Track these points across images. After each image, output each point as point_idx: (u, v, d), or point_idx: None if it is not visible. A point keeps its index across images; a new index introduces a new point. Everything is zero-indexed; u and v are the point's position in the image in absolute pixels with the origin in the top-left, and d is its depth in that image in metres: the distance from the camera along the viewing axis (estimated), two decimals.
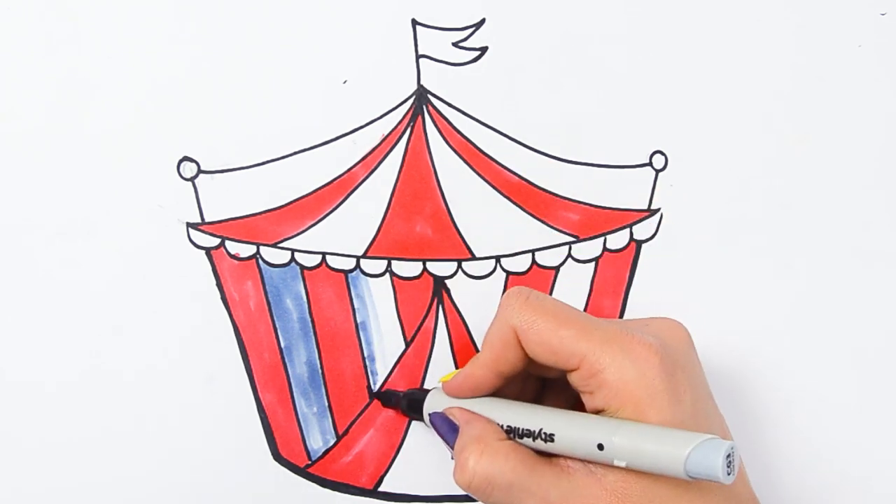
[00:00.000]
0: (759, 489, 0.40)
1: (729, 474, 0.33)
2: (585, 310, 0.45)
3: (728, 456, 0.33)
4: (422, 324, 0.45)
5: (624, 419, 0.36)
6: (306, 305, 0.44)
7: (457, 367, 0.45)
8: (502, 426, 0.39)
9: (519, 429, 0.38)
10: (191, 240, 0.44)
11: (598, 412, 0.37)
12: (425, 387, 0.45)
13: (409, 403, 0.44)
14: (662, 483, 0.36)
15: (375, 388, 0.45)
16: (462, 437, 0.39)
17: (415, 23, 0.44)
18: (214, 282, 0.44)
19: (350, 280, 0.44)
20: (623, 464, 0.35)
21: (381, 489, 0.45)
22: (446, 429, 0.41)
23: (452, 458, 0.39)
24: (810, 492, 0.46)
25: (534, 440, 0.38)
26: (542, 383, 0.43)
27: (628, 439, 0.35)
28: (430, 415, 0.42)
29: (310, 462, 0.45)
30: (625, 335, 0.37)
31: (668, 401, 0.36)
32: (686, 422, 0.36)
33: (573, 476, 0.37)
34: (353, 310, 0.45)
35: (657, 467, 0.34)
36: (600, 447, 0.35)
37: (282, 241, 0.44)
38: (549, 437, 0.37)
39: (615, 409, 0.36)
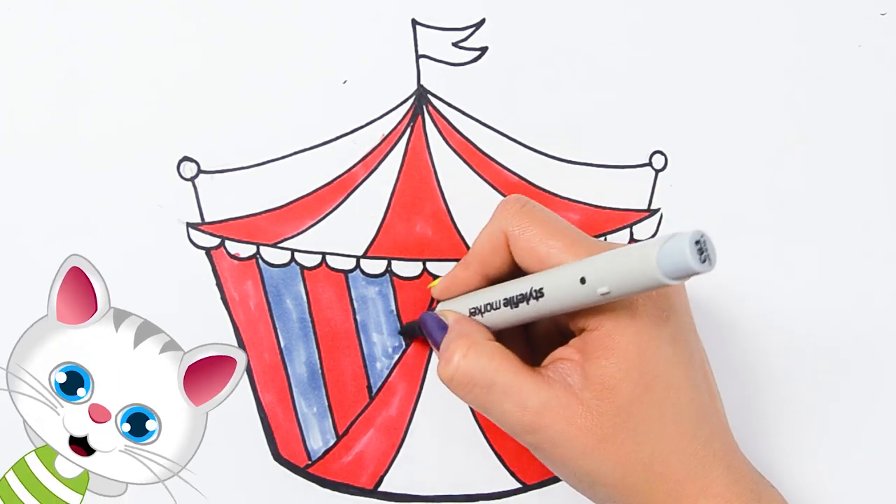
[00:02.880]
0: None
1: (703, 262, 0.31)
2: None
3: (697, 242, 0.31)
4: None
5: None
6: (306, 305, 0.45)
7: None
8: (495, 304, 0.39)
9: (513, 297, 0.38)
10: (191, 240, 0.44)
11: (581, 331, 0.37)
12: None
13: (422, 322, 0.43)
14: (636, 403, 0.36)
15: (375, 388, 0.45)
16: (450, 333, 0.39)
17: (415, 23, 0.44)
18: (214, 282, 0.44)
19: (350, 280, 0.44)
20: (605, 289, 0.34)
21: (381, 489, 0.45)
22: (435, 327, 0.40)
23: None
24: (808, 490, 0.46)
25: (527, 302, 0.37)
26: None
27: (605, 262, 0.34)
28: (421, 316, 0.42)
29: (310, 462, 0.45)
30: (608, 247, 0.37)
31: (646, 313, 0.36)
32: (653, 335, 0.36)
33: (553, 387, 0.37)
34: (353, 310, 0.45)
35: (635, 279, 0.33)
36: (583, 281, 0.35)
37: (282, 241, 0.44)
38: (539, 293, 0.37)
39: (598, 322, 0.36)
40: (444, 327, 0.40)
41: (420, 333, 0.43)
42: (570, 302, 0.36)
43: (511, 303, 0.38)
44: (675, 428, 0.36)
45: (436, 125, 0.44)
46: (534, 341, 0.43)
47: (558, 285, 0.36)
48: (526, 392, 0.36)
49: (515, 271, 0.39)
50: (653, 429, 0.36)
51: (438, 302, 0.43)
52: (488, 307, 0.39)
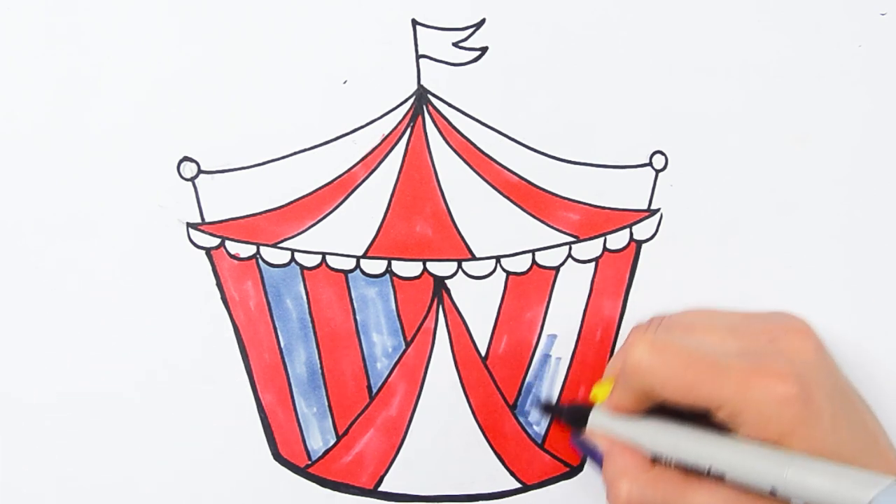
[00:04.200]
0: None
1: None
2: (586, 310, 0.45)
3: None
4: (422, 324, 0.45)
5: (794, 454, 0.36)
6: (306, 305, 0.44)
7: (457, 367, 0.45)
8: (666, 458, 0.39)
9: (689, 465, 0.39)
10: (191, 240, 0.44)
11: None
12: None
13: (571, 415, 0.43)
14: None
15: (375, 388, 0.45)
16: (609, 466, 0.40)
17: (415, 23, 0.44)
18: (214, 282, 0.44)
19: (350, 280, 0.44)
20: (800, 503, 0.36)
21: (381, 489, 0.45)
22: (590, 453, 0.42)
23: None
24: None
25: (706, 473, 0.38)
26: None
27: (800, 477, 0.35)
28: (572, 440, 0.43)
29: (310, 462, 0.45)
30: (759, 374, 0.37)
31: (808, 429, 0.37)
32: (828, 443, 0.37)
33: (723, 493, 0.38)
34: (353, 310, 0.45)
35: None
36: (773, 492, 0.36)
37: (282, 241, 0.44)
38: (720, 476, 0.38)
39: (757, 439, 0.37)
40: (597, 454, 0.41)
41: (557, 415, 0.45)
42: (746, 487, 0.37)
43: (685, 466, 0.39)
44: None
45: (436, 125, 0.44)
46: None
47: (744, 477, 0.37)
48: (699, 502, 0.38)
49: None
50: None
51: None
52: (660, 458, 0.40)
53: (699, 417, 0.39)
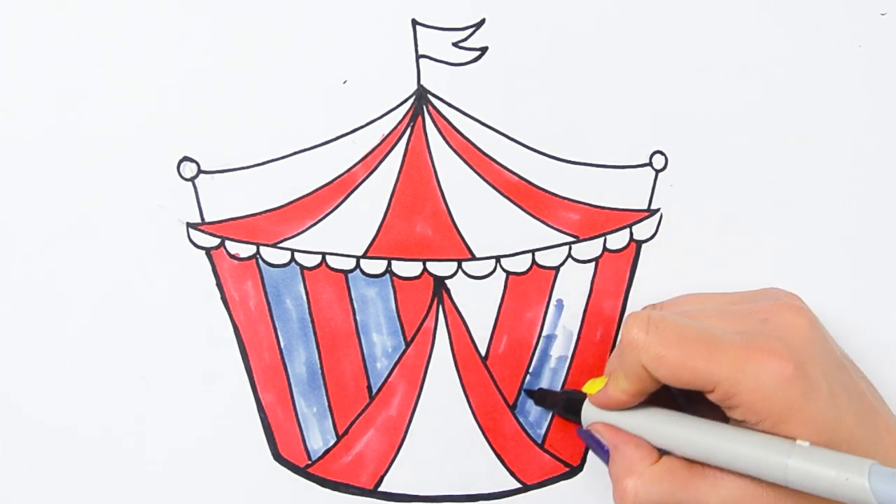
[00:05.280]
0: None
1: None
2: (586, 310, 0.45)
3: None
4: (422, 324, 0.45)
5: (793, 441, 0.37)
6: (306, 306, 0.44)
7: (457, 367, 0.45)
8: (672, 450, 0.40)
9: (692, 458, 0.39)
10: (191, 240, 0.44)
11: (737, 422, 0.38)
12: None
13: (566, 405, 0.44)
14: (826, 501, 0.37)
15: (375, 388, 0.45)
16: (615, 463, 0.40)
17: (415, 23, 0.44)
18: (214, 282, 0.44)
19: (350, 280, 0.44)
20: (802, 487, 0.36)
21: (381, 489, 0.45)
22: (595, 446, 0.42)
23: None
24: None
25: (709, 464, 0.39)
26: None
27: (803, 465, 0.36)
28: (578, 431, 0.43)
29: (310, 462, 0.45)
30: (754, 352, 0.37)
31: (806, 405, 0.37)
32: (827, 418, 0.37)
33: (728, 482, 0.38)
34: (353, 310, 0.45)
35: (840, 496, 0.35)
36: (775, 481, 0.37)
37: (282, 241, 0.44)
38: (722, 466, 0.38)
39: (755, 422, 0.37)
40: (603, 447, 0.41)
41: (551, 405, 0.45)
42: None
43: (689, 459, 0.39)
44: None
45: (436, 125, 0.44)
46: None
47: (746, 467, 0.37)
48: (702, 496, 0.38)
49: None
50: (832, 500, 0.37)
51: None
52: (663, 451, 0.40)
53: (695, 410, 0.40)
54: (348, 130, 0.44)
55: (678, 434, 0.39)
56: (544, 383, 0.45)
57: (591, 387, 0.42)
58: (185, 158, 0.44)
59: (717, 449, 0.38)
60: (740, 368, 0.37)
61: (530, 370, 0.45)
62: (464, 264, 0.45)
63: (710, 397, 0.38)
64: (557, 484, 0.46)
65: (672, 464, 0.39)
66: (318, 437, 0.45)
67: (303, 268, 0.44)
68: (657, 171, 0.45)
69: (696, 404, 0.40)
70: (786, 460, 0.36)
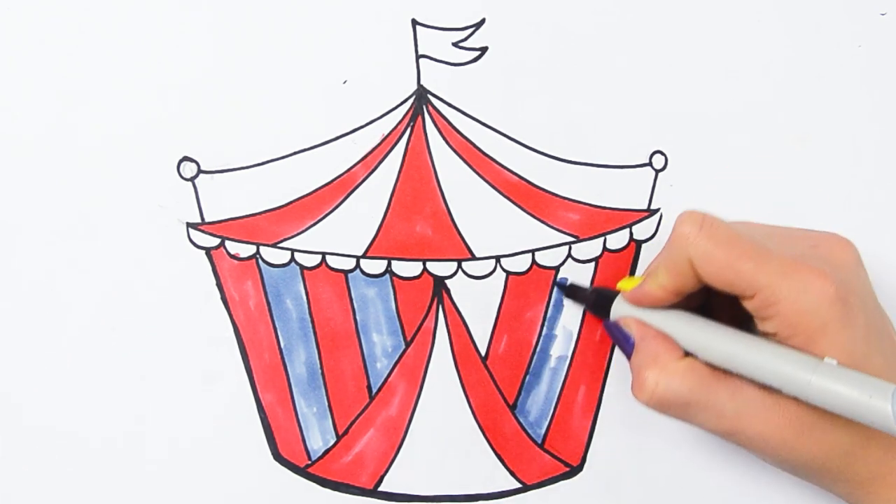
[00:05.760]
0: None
1: None
2: (585, 311, 0.45)
3: None
4: (422, 324, 0.45)
5: (820, 359, 0.36)
6: (306, 305, 0.45)
7: (457, 367, 0.45)
8: (699, 354, 0.39)
9: (713, 360, 0.39)
10: (191, 240, 0.44)
11: (766, 335, 0.38)
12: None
13: (596, 301, 0.44)
14: (841, 426, 0.37)
15: (375, 388, 0.45)
16: (639, 354, 0.40)
17: (415, 23, 0.44)
18: (214, 282, 0.44)
19: (350, 280, 0.44)
20: (825, 406, 0.36)
21: (381, 489, 0.45)
22: (621, 338, 0.42)
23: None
24: None
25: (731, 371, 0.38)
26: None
27: (826, 383, 0.35)
28: (604, 322, 0.43)
29: (310, 462, 0.45)
30: (800, 266, 0.37)
31: (841, 329, 0.37)
32: (858, 348, 0.37)
33: (746, 392, 0.38)
34: (353, 310, 0.45)
35: (861, 415, 0.35)
36: (797, 396, 0.36)
37: (282, 241, 0.44)
38: (746, 376, 0.38)
39: (786, 336, 0.37)
40: (629, 339, 0.41)
41: (581, 299, 0.44)
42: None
43: (712, 363, 0.39)
44: None
45: (436, 125, 0.44)
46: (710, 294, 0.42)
47: (770, 378, 0.37)
48: (721, 402, 0.38)
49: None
50: (851, 421, 0.37)
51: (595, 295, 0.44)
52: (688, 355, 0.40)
53: (726, 317, 0.40)
54: (348, 130, 0.44)
55: (705, 336, 0.39)
56: (544, 383, 0.45)
57: (626, 283, 0.42)
58: (185, 158, 0.44)
59: (742, 356, 0.38)
60: (785, 279, 0.37)
61: (530, 370, 0.45)
62: (464, 264, 0.45)
63: (747, 304, 0.38)
64: (557, 484, 0.46)
65: (696, 364, 0.39)
66: (318, 437, 0.45)
67: (303, 268, 0.44)
68: (657, 171, 0.45)
69: (721, 320, 0.40)
70: (810, 376, 0.36)
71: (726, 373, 0.39)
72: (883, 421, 0.34)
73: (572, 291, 0.45)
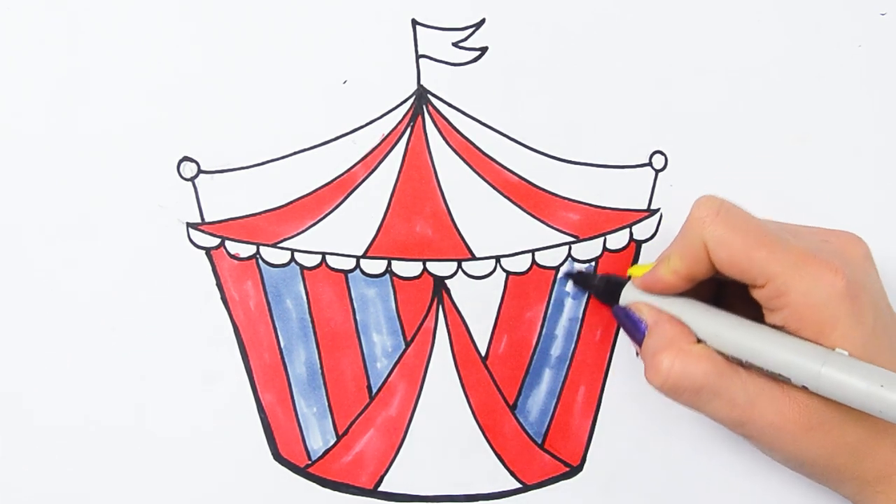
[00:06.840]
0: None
1: None
2: (585, 310, 0.45)
3: None
4: (422, 324, 0.45)
5: (829, 349, 0.36)
6: (306, 305, 0.45)
7: (457, 367, 0.45)
8: (711, 342, 0.39)
9: (724, 349, 0.39)
10: (191, 240, 0.44)
11: (775, 328, 0.38)
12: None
13: (605, 288, 0.44)
14: (850, 423, 0.37)
15: (375, 388, 0.45)
16: (652, 337, 0.40)
17: (415, 23, 0.44)
18: (214, 282, 0.44)
19: (350, 280, 0.44)
20: (833, 397, 0.36)
21: (381, 489, 0.45)
22: (631, 324, 0.41)
23: (637, 355, 0.40)
24: None
25: (743, 363, 0.38)
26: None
27: (836, 375, 0.35)
28: (614, 308, 0.42)
29: (310, 462, 0.45)
30: (812, 259, 0.37)
31: (850, 324, 0.37)
32: (867, 343, 0.37)
33: (758, 382, 0.38)
34: (353, 310, 0.45)
35: (870, 406, 0.35)
36: (805, 387, 0.36)
37: (282, 241, 0.44)
38: (757, 366, 0.38)
39: (795, 329, 0.37)
40: (639, 325, 0.41)
41: (590, 286, 0.44)
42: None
43: (729, 357, 0.39)
44: None
45: (436, 125, 0.44)
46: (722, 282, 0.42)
47: (778, 368, 0.37)
48: (733, 390, 0.38)
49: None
50: (860, 416, 0.37)
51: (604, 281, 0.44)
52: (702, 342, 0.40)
53: (734, 313, 0.39)
54: (348, 130, 0.44)
55: (716, 324, 0.39)
56: (544, 383, 0.45)
57: (637, 270, 0.42)
58: (185, 158, 0.44)
59: (753, 344, 0.38)
60: (797, 270, 0.37)
61: (530, 370, 0.45)
62: (464, 264, 0.45)
63: (757, 294, 0.38)
64: (557, 484, 0.46)
65: (710, 350, 0.39)
66: (318, 437, 0.45)
67: (303, 268, 0.44)
68: (657, 171, 0.45)
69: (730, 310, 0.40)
70: (820, 366, 0.36)
71: (739, 364, 0.39)
72: (894, 412, 0.34)
73: (581, 279, 0.45)
